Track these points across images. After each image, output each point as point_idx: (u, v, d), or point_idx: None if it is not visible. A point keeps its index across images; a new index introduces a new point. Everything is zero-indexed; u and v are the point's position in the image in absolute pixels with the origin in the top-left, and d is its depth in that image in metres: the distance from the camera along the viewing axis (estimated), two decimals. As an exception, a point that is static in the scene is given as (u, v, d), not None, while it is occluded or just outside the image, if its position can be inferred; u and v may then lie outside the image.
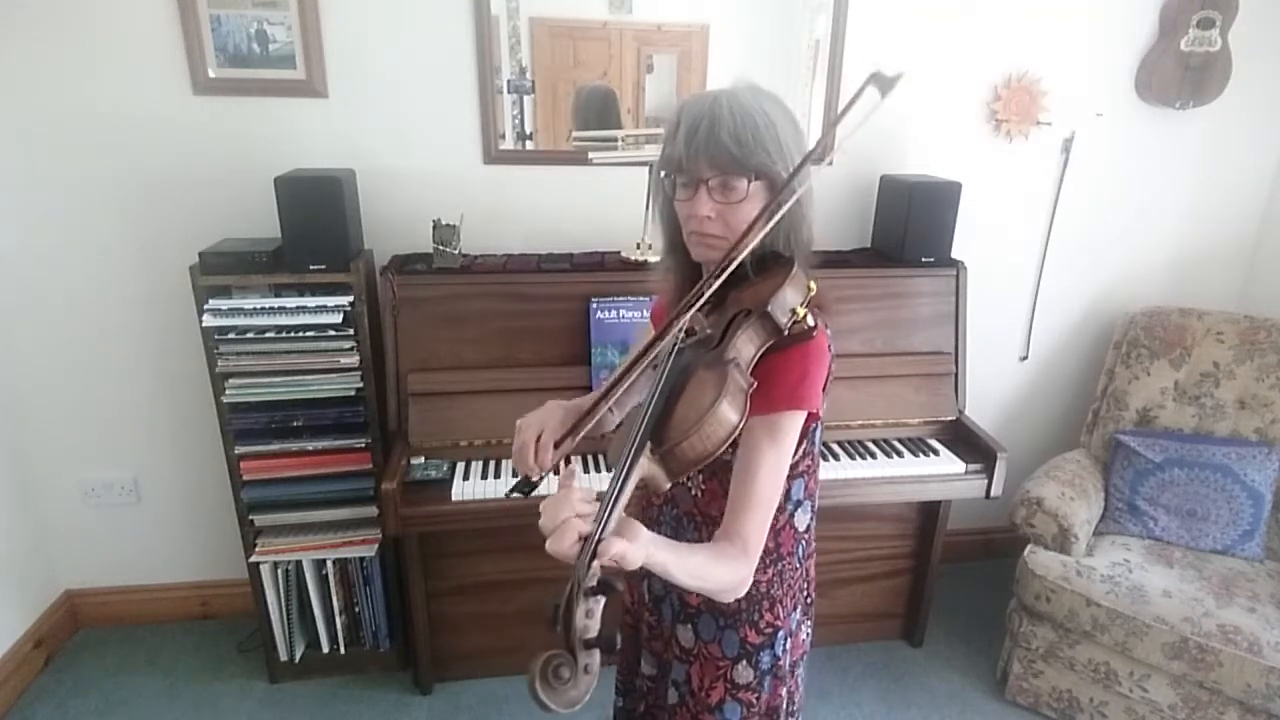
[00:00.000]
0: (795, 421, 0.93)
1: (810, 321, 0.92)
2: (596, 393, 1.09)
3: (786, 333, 0.91)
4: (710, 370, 0.87)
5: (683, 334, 0.93)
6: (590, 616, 0.69)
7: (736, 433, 0.84)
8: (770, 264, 0.97)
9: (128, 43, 1.88)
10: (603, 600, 0.70)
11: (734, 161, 0.91)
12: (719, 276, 0.91)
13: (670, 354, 0.92)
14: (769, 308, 0.90)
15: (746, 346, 0.91)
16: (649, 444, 0.82)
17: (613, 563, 0.72)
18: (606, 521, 0.73)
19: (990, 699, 2.19)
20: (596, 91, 2.13)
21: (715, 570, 0.88)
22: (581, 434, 0.97)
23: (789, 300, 0.91)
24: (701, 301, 0.91)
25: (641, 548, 0.75)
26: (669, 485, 0.84)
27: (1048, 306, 2.54)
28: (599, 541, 0.71)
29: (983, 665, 2.31)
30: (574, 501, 0.74)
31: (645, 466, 0.81)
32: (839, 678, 2.24)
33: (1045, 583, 2.00)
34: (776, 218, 0.90)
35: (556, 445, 1.01)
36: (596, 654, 0.69)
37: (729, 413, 0.84)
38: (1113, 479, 2.25)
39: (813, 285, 0.95)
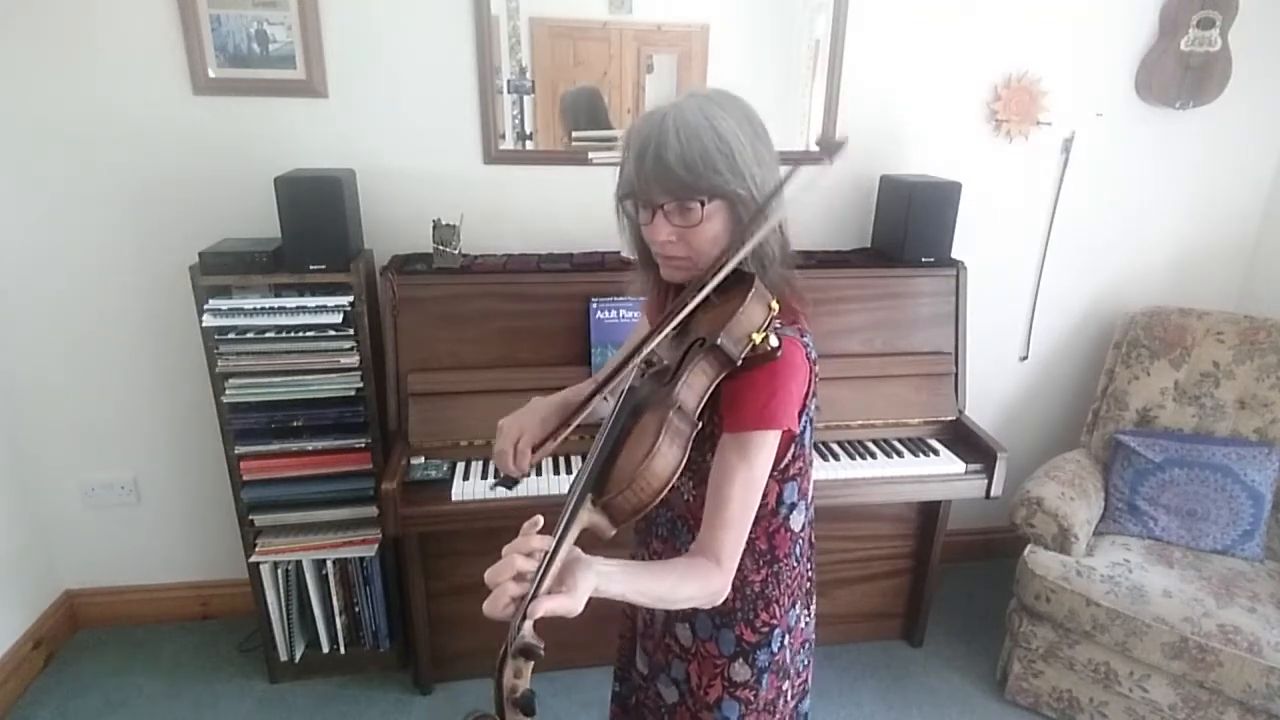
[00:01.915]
0: (766, 440, 0.92)
1: (773, 342, 0.89)
2: (574, 396, 1.10)
3: (740, 362, 0.89)
4: (654, 414, 0.86)
5: (643, 364, 0.93)
6: (519, 676, 0.72)
7: (674, 479, 0.84)
8: (731, 283, 0.93)
9: (128, 43, 1.88)
10: (531, 662, 0.72)
11: (684, 187, 0.90)
12: (678, 313, 0.90)
13: (624, 392, 0.93)
14: (719, 340, 0.88)
15: (699, 379, 0.89)
16: (590, 495, 0.83)
17: (549, 616, 0.73)
18: (540, 581, 0.74)
19: (990, 699, 2.19)
20: (582, 93, 2.12)
21: (684, 590, 0.88)
22: (559, 440, 0.98)
23: (744, 327, 0.89)
24: (666, 332, 0.91)
25: (583, 594, 0.75)
26: (613, 532, 0.85)
27: (1048, 306, 2.55)
28: (530, 601, 0.73)
29: (983, 665, 2.31)
30: (516, 564, 0.76)
31: (586, 518, 0.82)
32: (839, 678, 2.24)
33: (1045, 583, 2.00)
34: (735, 259, 0.90)
35: (535, 449, 1.04)
36: (520, 714, 0.71)
37: (665, 462, 0.83)
38: (1113, 479, 2.25)
39: (774, 304, 0.92)
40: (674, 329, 0.92)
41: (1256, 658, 1.76)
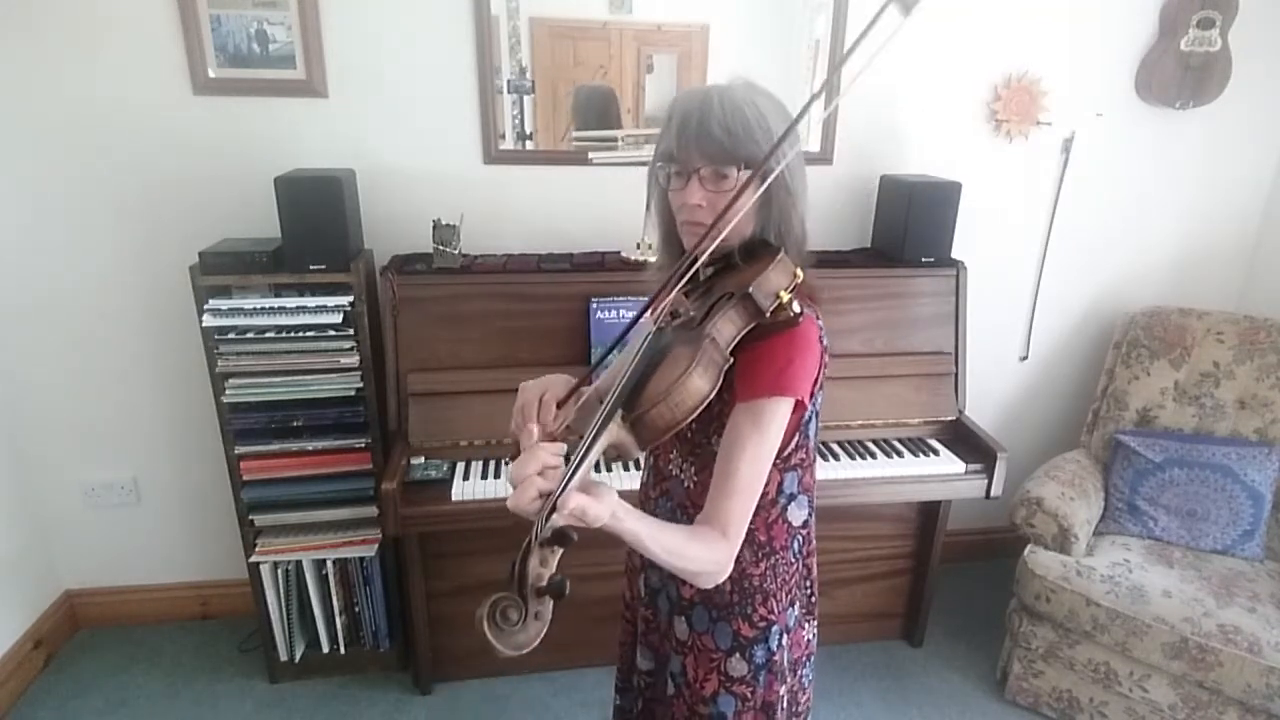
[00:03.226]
0: (780, 408, 0.93)
1: (796, 308, 0.92)
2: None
3: (769, 315, 0.92)
4: (687, 345, 0.88)
5: (668, 315, 0.95)
6: (545, 565, 0.73)
7: (704, 403, 0.86)
8: (758, 251, 0.98)
9: (128, 42, 1.88)
10: (559, 550, 0.73)
11: (723, 151, 0.93)
12: (702, 254, 0.93)
13: (650, 333, 0.95)
14: (750, 289, 0.90)
15: (727, 326, 0.92)
16: (620, 411, 0.84)
17: (573, 518, 0.75)
18: (570, 479, 0.76)
19: (990, 699, 2.19)
20: (596, 91, 2.13)
21: (691, 549, 0.89)
22: (582, 399, 0.97)
23: (773, 284, 0.92)
24: (685, 278, 0.92)
25: (607, 507, 0.78)
26: (639, 453, 0.86)
27: (1048, 306, 2.55)
28: (560, 494, 0.74)
29: (983, 665, 2.31)
30: (541, 458, 0.78)
31: (615, 432, 0.84)
32: (839, 678, 2.24)
33: (1045, 583, 2.00)
34: (759, 192, 0.91)
35: (559, 406, 1.02)
36: (549, 602, 0.72)
37: (699, 383, 0.85)
38: (1113, 479, 2.25)
39: (799, 272, 0.95)
40: (698, 283, 0.95)
41: (1256, 658, 1.76)
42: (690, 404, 0.85)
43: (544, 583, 0.72)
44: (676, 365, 0.86)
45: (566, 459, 0.81)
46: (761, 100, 0.95)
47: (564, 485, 0.75)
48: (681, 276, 0.92)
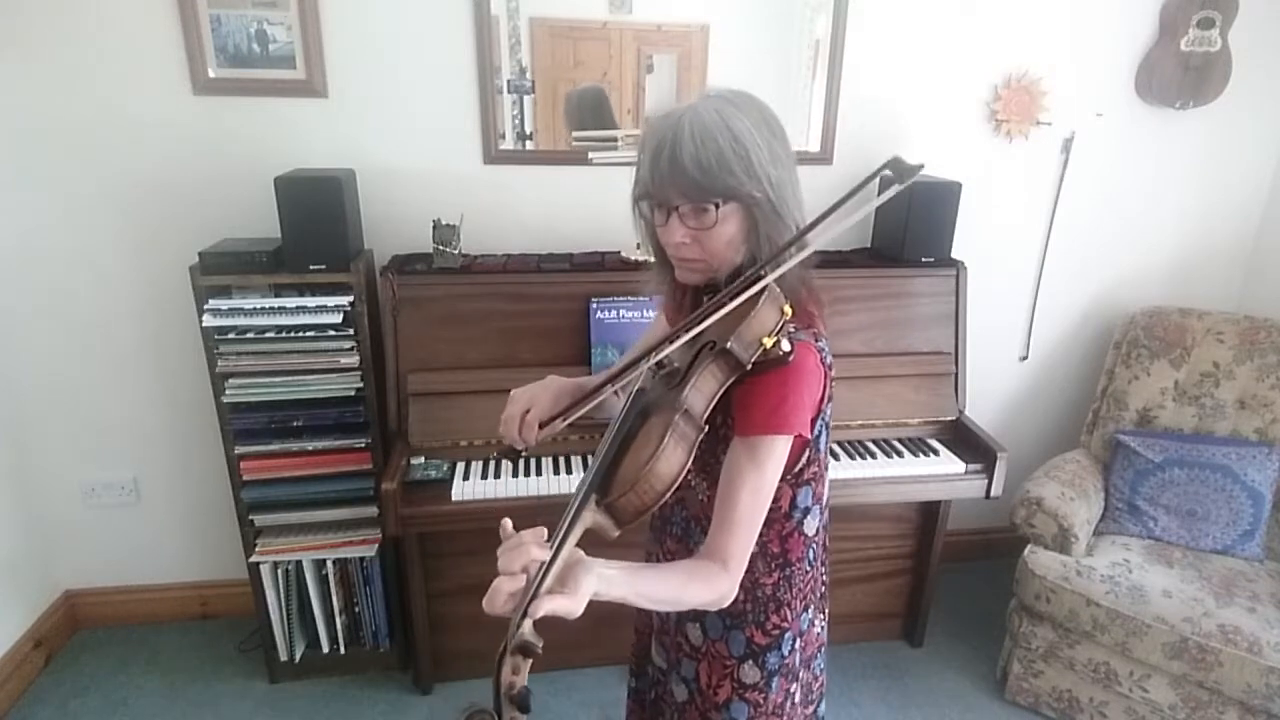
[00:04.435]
0: (776, 445, 0.91)
1: (785, 347, 0.89)
2: (589, 382, 1.10)
3: (750, 365, 0.89)
4: (660, 417, 0.86)
5: (654, 364, 0.93)
6: (516, 673, 0.72)
7: (678, 482, 0.84)
8: (745, 286, 0.94)
9: (128, 43, 1.88)
10: (529, 660, 0.72)
11: (698, 188, 0.89)
12: (699, 322, 0.90)
13: (634, 393, 0.93)
14: (729, 344, 0.87)
15: (708, 383, 0.89)
16: (594, 495, 0.83)
17: (550, 616, 0.73)
18: (542, 579, 0.74)
19: (990, 699, 2.19)
20: (588, 93, 2.13)
21: (687, 593, 0.89)
22: (567, 421, 0.98)
23: (755, 332, 0.88)
24: (683, 340, 0.91)
25: (584, 593, 0.75)
26: (617, 533, 0.85)
27: (1048, 306, 2.55)
28: (530, 601, 0.73)
29: (983, 665, 2.31)
30: (524, 557, 0.76)
31: (590, 519, 0.83)
32: (839, 678, 2.24)
33: (1045, 583, 2.00)
34: (770, 278, 0.89)
35: (542, 425, 1.03)
36: (515, 710, 0.72)
37: (669, 466, 0.83)
38: (1113, 479, 2.25)
39: (787, 309, 0.91)
40: (691, 337, 0.92)
41: (1256, 658, 1.76)
42: (661, 488, 0.83)
43: (514, 691, 0.71)
44: (648, 444, 0.84)
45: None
46: (737, 122, 0.88)
47: (534, 590, 0.73)
48: (672, 341, 0.90)
